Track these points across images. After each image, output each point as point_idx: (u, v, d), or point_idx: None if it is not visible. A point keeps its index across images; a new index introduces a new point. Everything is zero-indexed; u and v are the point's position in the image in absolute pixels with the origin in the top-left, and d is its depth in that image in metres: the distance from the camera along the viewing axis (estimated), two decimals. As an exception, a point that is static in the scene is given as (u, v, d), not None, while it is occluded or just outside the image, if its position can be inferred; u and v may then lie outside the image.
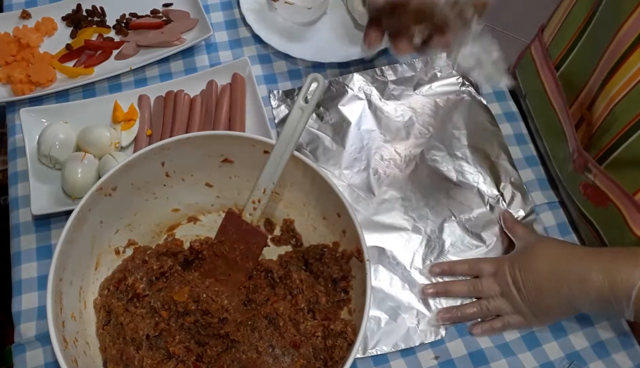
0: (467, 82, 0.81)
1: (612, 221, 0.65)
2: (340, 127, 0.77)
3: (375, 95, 0.79)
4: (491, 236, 0.70)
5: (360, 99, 0.79)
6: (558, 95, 0.72)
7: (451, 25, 0.55)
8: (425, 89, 0.80)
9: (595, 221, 0.68)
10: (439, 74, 0.81)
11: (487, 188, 0.73)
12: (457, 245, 0.69)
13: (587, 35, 0.67)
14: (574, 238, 0.71)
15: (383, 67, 0.81)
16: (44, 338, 0.63)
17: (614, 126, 0.62)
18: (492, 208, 0.72)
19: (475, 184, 0.73)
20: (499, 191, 0.73)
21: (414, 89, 0.80)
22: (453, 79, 0.81)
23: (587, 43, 0.68)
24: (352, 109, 0.78)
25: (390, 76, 0.81)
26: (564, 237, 0.71)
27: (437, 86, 0.80)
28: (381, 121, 0.77)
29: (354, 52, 0.82)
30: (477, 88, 0.80)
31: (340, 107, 0.78)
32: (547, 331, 0.65)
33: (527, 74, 0.78)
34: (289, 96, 0.79)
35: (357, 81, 0.80)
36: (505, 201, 0.72)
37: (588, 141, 0.67)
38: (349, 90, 0.79)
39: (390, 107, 0.78)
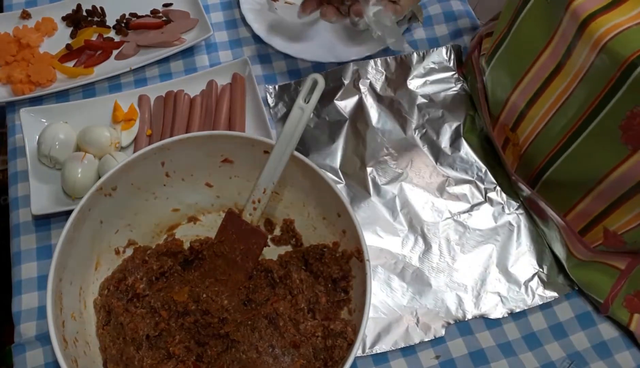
0: (461, 78, 0.81)
1: (555, 237, 0.67)
2: (337, 124, 0.77)
3: (370, 90, 0.79)
4: (490, 232, 0.70)
5: (355, 93, 0.79)
6: (486, 114, 0.73)
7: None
8: (420, 83, 0.80)
9: (546, 235, 0.69)
10: (434, 70, 0.81)
11: (485, 179, 0.73)
12: (456, 241, 0.69)
13: (501, 53, 0.69)
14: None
15: (378, 61, 0.81)
16: (44, 338, 0.63)
17: (541, 148, 0.65)
18: (490, 200, 0.72)
19: (473, 178, 0.73)
20: (496, 180, 0.73)
21: (409, 84, 0.80)
22: (448, 75, 0.81)
23: (502, 62, 0.70)
24: (348, 104, 0.78)
25: (385, 70, 0.81)
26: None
27: (432, 81, 0.80)
28: (377, 117, 0.77)
29: (354, 52, 0.82)
30: (468, 85, 0.81)
31: (336, 102, 0.78)
32: (548, 331, 0.65)
33: (471, 81, 0.79)
34: (285, 91, 0.79)
35: (353, 74, 0.80)
36: (504, 192, 0.72)
37: (519, 161, 0.69)
38: (344, 82, 0.79)
39: (385, 103, 0.78)
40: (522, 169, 0.70)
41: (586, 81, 0.57)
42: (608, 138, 0.56)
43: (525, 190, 0.68)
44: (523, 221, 0.70)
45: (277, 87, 0.79)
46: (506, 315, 0.65)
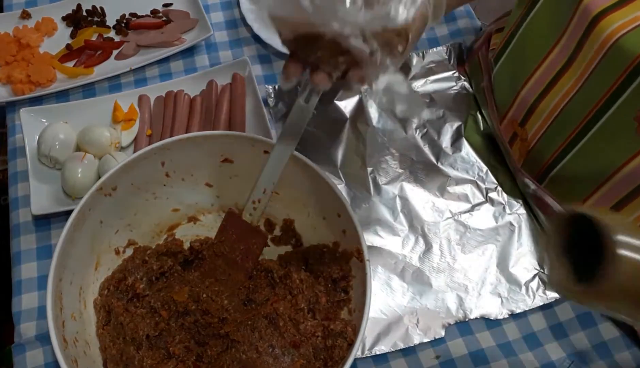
0: (462, 77, 0.81)
1: None
2: (337, 124, 0.76)
3: (370, 90, 0.79)
4: (491, 232, 0.70)
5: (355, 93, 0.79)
6: (492, 110, 0.73)
7: (365, 60, 0.50)
8: (420, 83, 0.80)
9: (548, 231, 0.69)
10: (434, 69, 0.81)
11: (486, 179, 0.73)
12: (457, 241, 0.69)
13: (512, 48, 0.69)
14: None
15: None
16: (44, 338, 0.63)
17: (551, 144, 0.65)
18: (491, 200, 0.71)
19: (474, 178, 0.73)
20: (497, 180, 0.73)
21: (410, 84, 0.80)
22: (449, 74, 0.81)
23: (513, 57, 0.69)
24: (348, 104, 0.78)
25: (386, 70, 0.80)
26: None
27: (432, 80, 0.80)
28: (377, 117, 0.77)
29: (354, 51, 0.82)
30: (471, 83, 0.80)
31: (336, 102, 0.78)
32: (548, 331, 0.65)
33: (476, 78, 0.79)
34: (285, 91, 0.79)
35: None
36: (505, 192, 0.72)
37: (526, 156, 0.69)
38: None
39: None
40: (529, 165, 0.69)
41: (596, 77, 0.57)
42: (622, 130, 0.56)
43: (531, 186, 0.68)
44: (524, 222, 0.70)
45: (277, 87, 0.79)
46: (507, 315, 0.65)
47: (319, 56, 0.51)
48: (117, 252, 0.63)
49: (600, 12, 0.55)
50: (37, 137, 0.71)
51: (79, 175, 0.68)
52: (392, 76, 0.52)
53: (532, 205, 0.71)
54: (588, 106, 0.59)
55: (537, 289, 0.66)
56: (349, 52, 0.49)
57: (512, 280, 0.67)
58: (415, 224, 0.70)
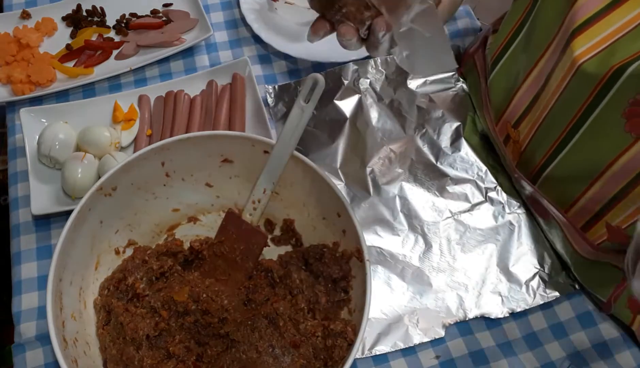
0: (461, 78, 0.81)
1: (556, 234, 0.66)
2: (337, 124, 0.76)
3: (370, 90, 0.79)
4: (491, 231, 0.70)
5: (355, 92, 0.79)
6: (487, 112, 0.73)
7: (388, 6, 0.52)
8: (420, 83, 0.80)
9: (549, 234, 0.69)
10: None
11: (485, 178, 0.73)
12: (457, 241, 0.69)
13: (512, 51, 0.69)
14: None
15: (378, 61, 0.81)
16: (44, 338, 0.63)
17: (542, 143, 0.65)
18: (491, 200, 0.71)
19: (473, 178, 0.73)
20: (496, 180, 0.73)
21: (409, 84, 0.80)
22: (448, 75, 0.81)
23: (510, 59, 0.70)
24: (348, 104, 0.78)
25: (385, 70, 0.80)
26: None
27: (431, 81, 0.80)
28: (377, 117, 0.77)
29: (354, 52, 0.82)
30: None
31: (335, 101, 0.78)
32: (548, 331, 0.65)
33: (471, 80, 0.79)
34: (285, 91, 0.79)
35: (353, 74, 0.80)
36: (504, 191, 0.72)
37: (519, 158, 0.69)
38: (344, 82, 0.79)
39: (385, 103, 0.78)
40: (521, 167, 0.70)
41: (570, 90, 0.58)
42: (611, 127, 0.56)
43: (528, 188, 0.68)
44: (524, 221, 0.70)
45: (277, 87, 0.79)
46: (507, 314, 0.65)
47: (345, 13, 0.55)
48: (117, 252, 0.63)
49: (576, 28, 0.56)
50: (37, 137, 0.71)
51: (79, 175, 0.68)
52: (426, 11, 0.52)
53: (530, 207, 0.71)
54: (575, 107, 0.59)
55: (538, 288, 0.66)
56: (373, 6, 0.53)
57: (512, 279, 0.67)
58: (415, 224, 0.70)
